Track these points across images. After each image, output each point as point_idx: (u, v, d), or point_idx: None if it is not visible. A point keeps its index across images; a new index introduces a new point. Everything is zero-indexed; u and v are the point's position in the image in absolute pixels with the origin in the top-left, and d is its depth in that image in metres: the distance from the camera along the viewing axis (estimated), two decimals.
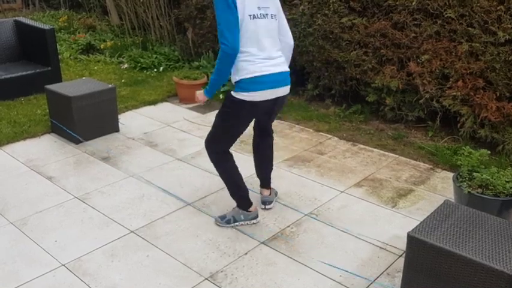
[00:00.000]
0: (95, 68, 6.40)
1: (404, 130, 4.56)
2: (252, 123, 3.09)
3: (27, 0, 9.80)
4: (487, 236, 2.23)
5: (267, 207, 3.27)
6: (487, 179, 2.96)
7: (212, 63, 5.70)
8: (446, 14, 3.95)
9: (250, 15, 2.69)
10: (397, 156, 4.09)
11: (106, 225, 3.10)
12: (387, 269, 2.72)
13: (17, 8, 9.67)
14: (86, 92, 4.23)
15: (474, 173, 3.05)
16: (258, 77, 2.72)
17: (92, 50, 7.09)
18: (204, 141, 3.02)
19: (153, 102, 5.30)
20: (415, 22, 4.19)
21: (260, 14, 2.73)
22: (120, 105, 4.96)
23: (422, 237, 2.21)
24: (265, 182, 3.31)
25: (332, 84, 4.96)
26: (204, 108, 5.12)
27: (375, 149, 4.22)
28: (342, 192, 3.52)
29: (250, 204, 3.08)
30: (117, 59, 6.69)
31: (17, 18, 5.78)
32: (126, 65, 6.46)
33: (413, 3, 4.11)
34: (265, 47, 2.75)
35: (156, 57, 6.43)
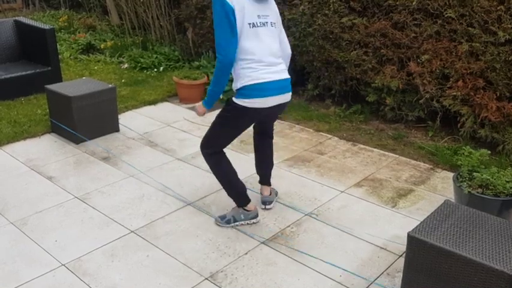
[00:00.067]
0: (95, 67, 6.40)
1: (405, 130, 4.56)
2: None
3: (28, 0, 9.79)
4: (487, 236, 2.23)
5: (267, 207, 3.27)
6: (487, 179, 2.96)
7: (212, 63, 5.69)
8: (446, 13, 3.94)
9: (249, 24, 2.69)
10: (397, 156, 4.09)
11: (106, 225, 3.10)
12: (387, 269, 2.72)
13: (17, 8, 9.66)
14: (86, 92, 4.23)
15: (474, 173, 3.05)
16: (260, 84, 2.72)
17: (92, 49, 7.08)
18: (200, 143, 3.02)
19: (153, 102, 5.30)
20: (415, 22, 4.18)
21: (260, 22, 2.74)
22: (120, 105, 4.96)
23: (422, 237, 2.20)
24: (265, 179, 3.31)
25: (332, 84, 4.96)
26: None
27: (375, 149, 4.22)
28: (342, 192, 3.52)
29: (248, 200, 3.08)
30: (117, 58, 6.69)
31: (17, 18, 5.78)
32: (126, 65, 6.45)
33: (413, 3, 4.11)
34: (266, 54, 2.75)
35: (156, 57, 6.42)
